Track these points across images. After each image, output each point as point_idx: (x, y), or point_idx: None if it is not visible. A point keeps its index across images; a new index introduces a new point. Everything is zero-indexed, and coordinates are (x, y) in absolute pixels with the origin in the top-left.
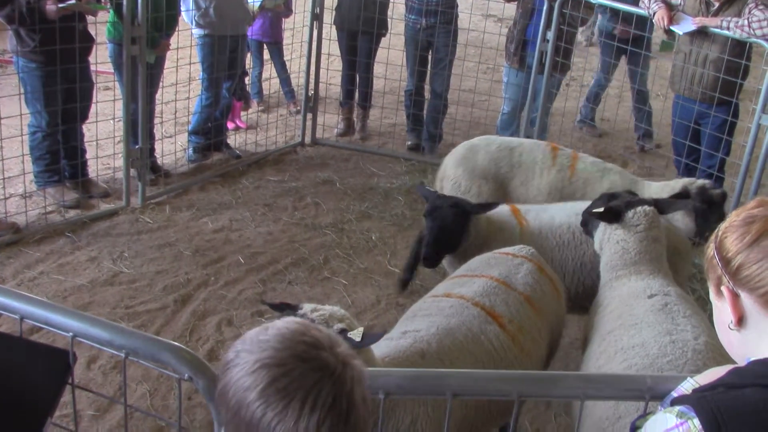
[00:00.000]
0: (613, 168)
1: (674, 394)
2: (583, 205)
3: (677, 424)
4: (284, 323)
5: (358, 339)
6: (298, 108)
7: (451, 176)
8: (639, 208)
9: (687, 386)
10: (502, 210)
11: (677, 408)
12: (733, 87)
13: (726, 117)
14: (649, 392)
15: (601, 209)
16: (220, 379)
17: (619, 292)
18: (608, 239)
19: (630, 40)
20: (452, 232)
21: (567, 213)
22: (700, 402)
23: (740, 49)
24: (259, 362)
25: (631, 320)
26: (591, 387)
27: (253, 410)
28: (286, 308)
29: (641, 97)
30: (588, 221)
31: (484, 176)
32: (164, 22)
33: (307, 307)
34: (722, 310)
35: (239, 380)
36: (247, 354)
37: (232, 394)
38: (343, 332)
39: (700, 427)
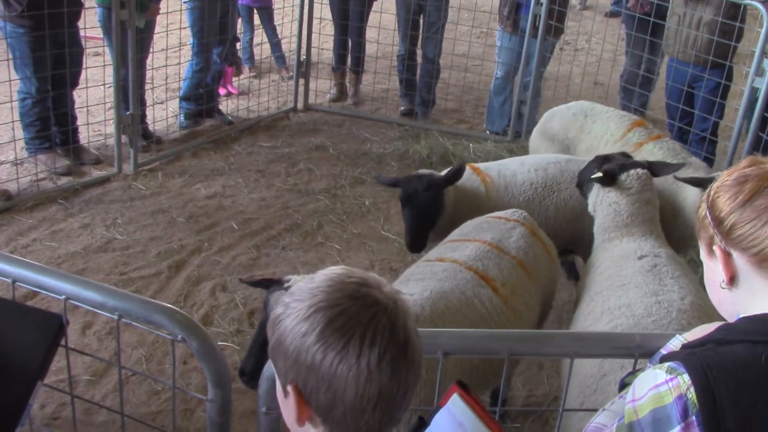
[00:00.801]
0: (684, 158)
1: (663, 351)
2: (539, 158)
3: (667, 380)
4: (329, 270)
5: None
6: (290, 73)
7: (532, 134)
8: (632, 171)
9: (676, 343)
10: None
11: (667, 364)
12: (727, 50)
13: (720, 80)
14: (638, 350)
15: (600, 174)
16: (272, 335)
17: (610, 253)
18: (601, 201)
19: (653, 14)
20: (431, 213)
21: (527, 168)
22: (690, 358)
23: (735, 11)
24: (313, 307)
25: (620, 281)
26: (581, 345)
27: (313, 353)
28: (270, 284)
29: (651, 67)
30: (583, 183)
31: (552, 139)
32: None
33: (295, 279)
34: (713, 269)
35: (294, 327)
36: (298, 302)
37: (290, 342)
38: None
39: (690, 382)
